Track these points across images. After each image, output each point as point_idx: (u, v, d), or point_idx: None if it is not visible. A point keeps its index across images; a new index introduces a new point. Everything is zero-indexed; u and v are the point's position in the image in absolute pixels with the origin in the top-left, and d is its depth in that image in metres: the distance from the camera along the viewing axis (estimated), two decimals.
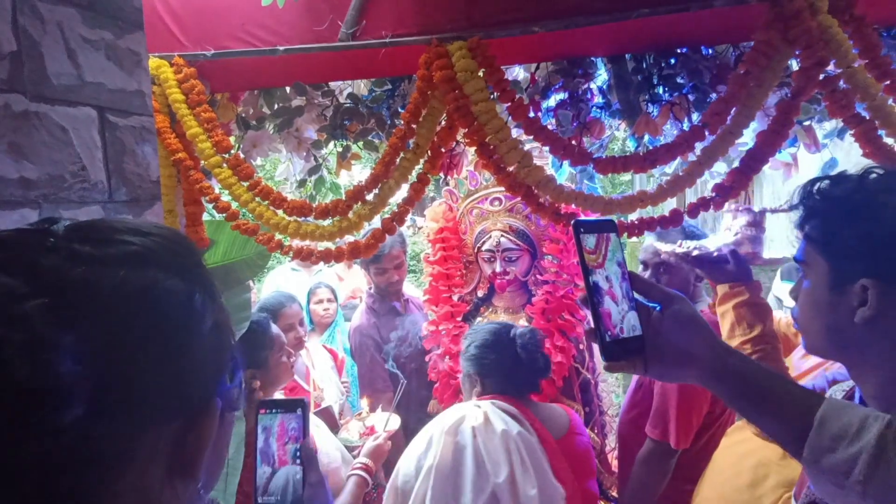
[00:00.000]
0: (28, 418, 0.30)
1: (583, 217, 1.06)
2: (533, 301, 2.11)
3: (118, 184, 1.06)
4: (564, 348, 1.97)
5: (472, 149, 1.95)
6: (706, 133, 1.27)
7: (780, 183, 4.47)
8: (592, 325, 0.60)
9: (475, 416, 1.37)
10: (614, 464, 2.17)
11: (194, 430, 0.39)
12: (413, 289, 2.99)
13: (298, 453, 0.77)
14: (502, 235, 2.13)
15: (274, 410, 0.79)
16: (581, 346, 2.08)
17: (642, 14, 1.25)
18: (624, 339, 0.60)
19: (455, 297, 2.31)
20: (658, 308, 0.62)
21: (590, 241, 0.60)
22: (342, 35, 1.41)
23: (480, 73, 1.32)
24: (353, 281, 4.16)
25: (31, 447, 0.30)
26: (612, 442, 2.22)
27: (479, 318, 2.25)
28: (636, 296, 0.62)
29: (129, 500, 0.35)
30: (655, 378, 0.65)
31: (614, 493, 2.12)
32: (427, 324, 2.28)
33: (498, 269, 2.12)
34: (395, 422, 1.76)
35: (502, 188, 2.17)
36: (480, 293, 2.32)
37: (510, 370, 1.47)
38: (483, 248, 2.16)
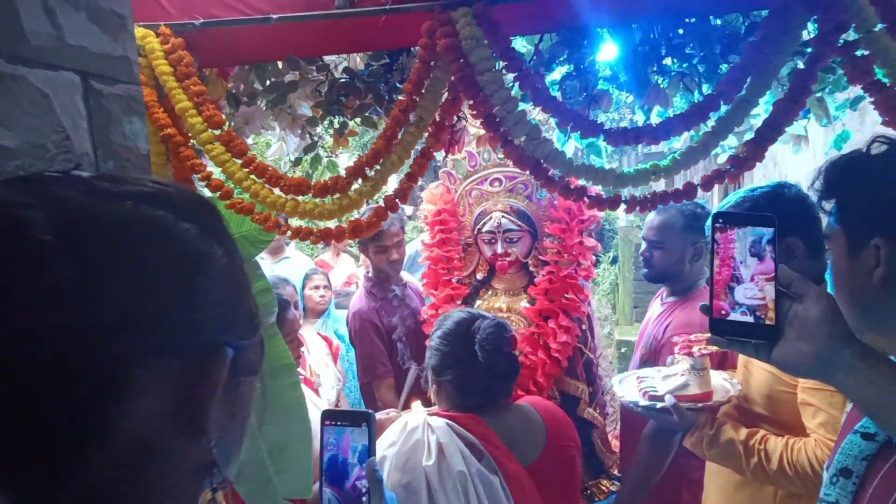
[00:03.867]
0: (22, 318, 0.30)
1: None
2: (536, 281, 2.07)
3: (105, 157, 0.98)
4: (569, 328, 1.94)
5: (473, 128, 1.90)
6: (721, 103, 1.22)
7: (773, 166, 4.48)
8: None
9: (429, 447, 1.17)
10: (614, 443, 2.16)
11: (200, 376, 0.37)
12: (408, 274, 2.94)
13: (363, 474, 0.71)
14: (503, 216, 2.09)
15: (339, 423, 0.74)
16: (584, 326, 2.05)
17: None
18: (743, 322, 0.64)
19: (454, 280, 2.26)
20: (798, 301, 0.64)
21: (722, 229, 0.65)
22: (339, 2, 1.34)
23: (486, 42, 1.26)
24: (343, 269, 4.10)
25: (24, 346, 0.30)
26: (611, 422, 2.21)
27: (478, 301, 2.21)
28: (780, 287, 0.64)
29: (133, 440, 0.34)
30: (778, 367, 0.65)
31: (616, 472, 2.11)
32: (427, 307, 2.23)
33: (499, 251, 2.08)
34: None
35: (502, 168, 2.14)
36: (480, 276, 2.27)
37: (467, 372, 1.28)
38: (483, 230, 2.12)
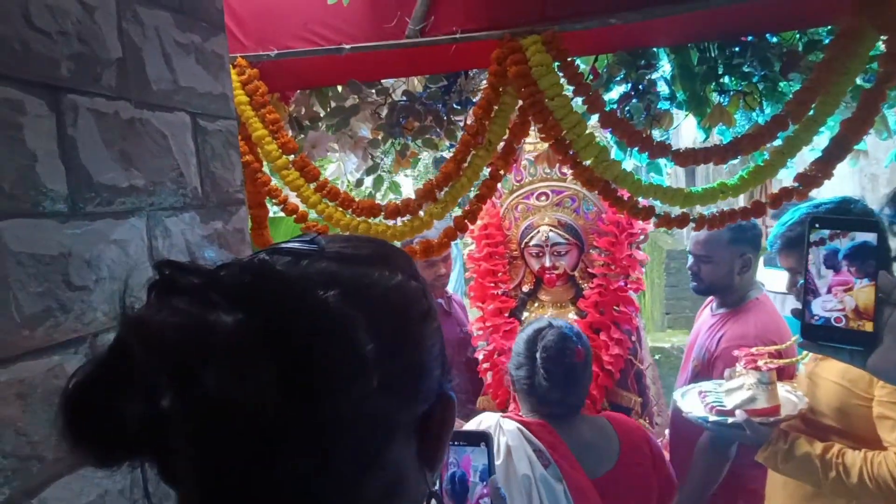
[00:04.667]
0: (338, 387, 0.34)
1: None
2: (586, 294, 2.10)
3: (210, 189, 1.04)
4: (621, 340, 1.97)
5: (528, 145, 1.94)
6: (790, 122, 1.25)
7: None
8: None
9: (499, 448, 1.21)
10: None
11: (436, 419, 0.41)
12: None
13: (485, 491, 0.75)
14: (551, 230, 2.12)
15: (457, 443, 0.77)
16: (633, 338, 2.07)
17: (723, 3, 1.23)
18: (838, 328, 0.64)
19: (500, 293, 2.30)
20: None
21: (819, 234, 0.65)
22: (410, 32, 1.39)
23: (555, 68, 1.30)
24: None
25: (339, 411, 0.34)
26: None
27: (525, 314, 2.25)
28: (881, 294, 0.64)
29: (391, 475, 0.38)
30: (872, 374, 0.65)
31: None
32: (475, 320, 2.27)
33: (547, 264, 2.11)
34: None
35: (549, 183, 2.18)
36: (526, 288, 2.31)
37: (529, 376, 1.31)
38: (531, 244, 2.15)
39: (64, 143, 0.76)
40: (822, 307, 0.65)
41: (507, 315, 2.24)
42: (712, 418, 1.38)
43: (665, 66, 1.57)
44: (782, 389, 1.47)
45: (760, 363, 1.40)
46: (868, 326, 0.63)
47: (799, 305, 0.67)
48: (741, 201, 2.78)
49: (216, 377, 0.31)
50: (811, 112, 1.24)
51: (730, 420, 1.35)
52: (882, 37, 1.19)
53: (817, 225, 0.65)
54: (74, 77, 0.77)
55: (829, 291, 0.65)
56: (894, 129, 1.51)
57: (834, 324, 0.65)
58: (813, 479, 1.27)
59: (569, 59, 1.31)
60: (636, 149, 1.33)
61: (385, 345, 0.37)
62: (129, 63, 0.87)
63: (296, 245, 0.40)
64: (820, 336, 0.66)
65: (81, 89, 0.79)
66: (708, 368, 1.88)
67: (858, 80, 1.40)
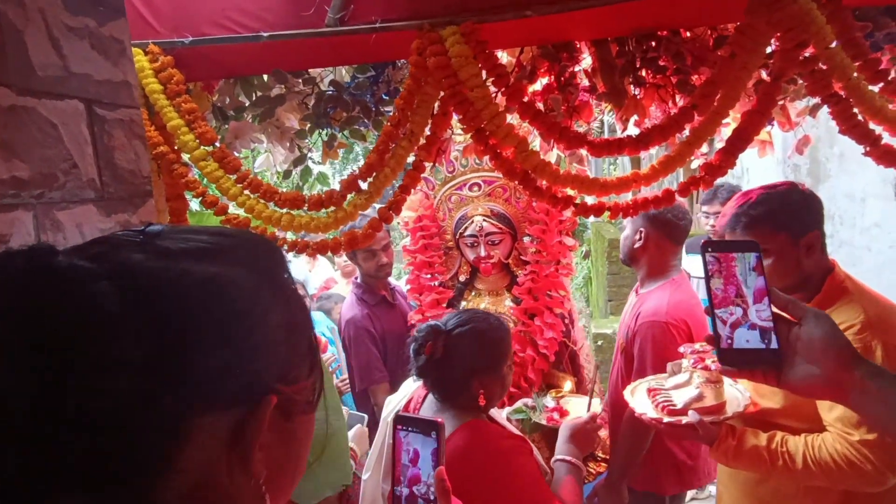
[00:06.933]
0: (93, 384, 0.33)
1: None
2: (519, 281, 2.14)
3: (110, 180, 1.00)
4: (554, 324, 2.02)
5: (458, 137, 1.96)
6: (695, 114, 1.31)
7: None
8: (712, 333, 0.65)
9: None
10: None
11: (250, 423, 0.39)
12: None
13: (431, 479, 0.75)
14: (484, 220, 2.15)
15: (410, 429, 0.77)
16: (566, 321, 2.13)
17: None
18: (750, 349, 0.63)
19: (436, 284, 2.31)
20: (797, 324, 0.63)
21: (714, 259, 0.65)
22: (329, 20, 1.37)
23: (474, 59, 1.31)
24: (320, 273, 4.11)
25: (95, 406, 0.33)
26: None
27: (463, 303, 2.27)
28: (776, 311, 0.63)
29: (193, 478, 0.36)
30: (789, 391, 0.64)
31: (601, 454, 2.22)
32: (413, 312, 2.28)
33: (482, 254, 2.14)
34: (597, 406, 1.60)
35: (480, 174, 2.21)
36: (462, 278, 2.33)
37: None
38: (465, 234, 2.17)
39: None
40: (759, 316, 0.64)
41: (444, 305, 2.25)
42: (666, 420, 1.35)
43: (587, 59, 1.61)
44: (727, 385, 1.45)
45: (709, 362, 1.38)
46: (774, 344, 0.63)
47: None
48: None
49: None
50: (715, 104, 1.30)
51: (684, 420, 1.33)
52: (776, 34, 1.26)
53: (710, 249, 0.65)
54: None
55: (757, 301, 0.64)
56: (794, 121, 1.61)
57: (746, 345, 0.63)
58: (763, 469, 1.29)
59: (488, 51, 1.32)
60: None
61: (169, 345, 0.35)
62: (9, 47, 0.82)
63: (122, 234, 0.39)
64: (735, 360, 0.64)
65: None
66: (631, 344, 1.96)
67: (764, 75, 1.48)
